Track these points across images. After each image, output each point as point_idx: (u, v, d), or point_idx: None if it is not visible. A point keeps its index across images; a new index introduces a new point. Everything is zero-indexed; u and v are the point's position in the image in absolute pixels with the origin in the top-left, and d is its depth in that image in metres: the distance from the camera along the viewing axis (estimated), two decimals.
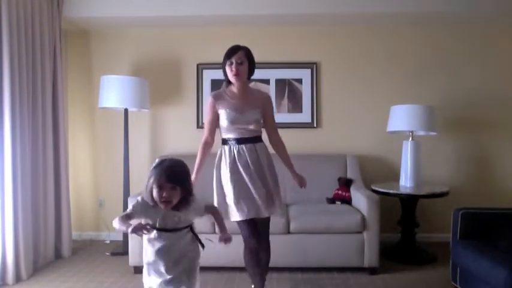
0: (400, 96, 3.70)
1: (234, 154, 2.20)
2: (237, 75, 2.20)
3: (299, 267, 2.95)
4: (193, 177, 2.05)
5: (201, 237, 1.84)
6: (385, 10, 3.43)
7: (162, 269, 1.73)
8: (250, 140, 2.22)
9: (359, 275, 2.92)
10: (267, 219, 2.29)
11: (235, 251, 2.93)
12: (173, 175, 1.67)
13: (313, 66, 3.82)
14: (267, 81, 3.82)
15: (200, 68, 3.85)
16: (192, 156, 3.68)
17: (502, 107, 3.77)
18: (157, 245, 1.72)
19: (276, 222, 2.64)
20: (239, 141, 2.21)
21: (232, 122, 2.20)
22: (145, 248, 1.77)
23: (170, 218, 1.71)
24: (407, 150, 3.37)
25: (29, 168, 3.00)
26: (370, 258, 2.91)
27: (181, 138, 3.88)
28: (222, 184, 2.23)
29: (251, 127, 2.20)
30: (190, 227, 1.80)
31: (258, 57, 3.78)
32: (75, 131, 3.90)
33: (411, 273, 2.99)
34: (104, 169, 3.92)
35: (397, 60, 3.81)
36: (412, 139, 3.38)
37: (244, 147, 2.19)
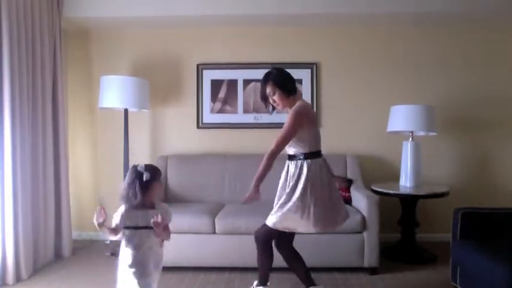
0: (400, 96, 3.71)
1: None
2: (278, 106, 2.28)
3: None
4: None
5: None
6: (385, 10, 3.43)
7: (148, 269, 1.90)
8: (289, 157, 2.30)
9: (359, 275, 2.93)
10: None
11: (235, 252, 2.94)
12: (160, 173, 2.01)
13: (313, 67, 3.82)
14: None
15: (200, 68, 3.85)
16: (192, 156, 3.72)
17: (502, 107, 3.77)
18: (135, 242, 1.90)
19: None
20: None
21: None
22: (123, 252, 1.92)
23: (143, 216, 1.91)
24: (407, 150, 3.37)
25: (29, 168, 3.00)
26: (370, 258, 2.91)
27: (182, 138, 3.88)
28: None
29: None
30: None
31: (258, 57, 3.85)
32: (75, 131, 3.90)
33: (411, 273, 2.99)
34: (104, 169, 3.92)
35: (397, 60, 3.81)
36: (412, 139, 3.38)
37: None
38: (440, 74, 3.79)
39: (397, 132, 3.50)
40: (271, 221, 2.20)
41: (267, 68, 3.74)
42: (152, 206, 1.94)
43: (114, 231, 1.91)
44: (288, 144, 2.23)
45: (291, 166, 2.25)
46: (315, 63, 3.83)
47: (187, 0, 3.46)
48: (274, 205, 2.25)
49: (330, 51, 3.84)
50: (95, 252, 3.51)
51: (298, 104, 2.23)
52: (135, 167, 1.94)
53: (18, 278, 2.83)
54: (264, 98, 2.29)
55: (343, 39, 3.84)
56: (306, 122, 2.20)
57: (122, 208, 1.93)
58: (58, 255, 3.38)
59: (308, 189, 2.15)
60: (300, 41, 3.84)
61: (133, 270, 1.88)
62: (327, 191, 2.22)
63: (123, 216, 1.91)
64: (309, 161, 2.20)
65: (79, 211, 3.88)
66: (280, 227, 2.20)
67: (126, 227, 1.91)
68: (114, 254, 3.43)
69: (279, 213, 2.18)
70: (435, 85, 3.79)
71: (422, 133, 3.50)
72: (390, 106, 3.47)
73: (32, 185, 3.05)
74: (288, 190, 2.19)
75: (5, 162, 2.76)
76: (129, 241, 1.90)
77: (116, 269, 3.09)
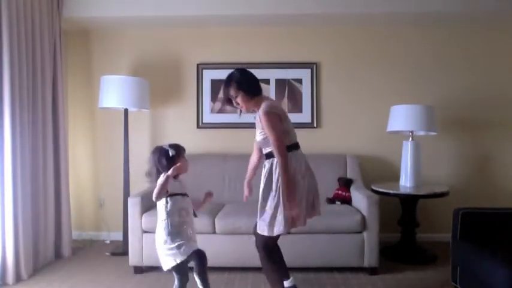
0: (400, 96, 3.71)
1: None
2: (242, 108, 2.25)
3: (299, 267, 2.95)
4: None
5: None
6: (385, 10, 3.43)
7: (188, 230, 2.16)
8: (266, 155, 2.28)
9: (359, 275, 2.92)
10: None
11: (235, 252, 2.94)
12: None
13: (313, 67, 3.82)
14: (267, 81, 3.82)
15: (200, 68, 3.85)
16: (192, 156, 3.70)
17: (502, 107, 3.77)
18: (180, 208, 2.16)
19: None
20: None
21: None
22: (165, 221, 2.14)
23: (184, 185, 2.26)
24: (407, 150, 3.37)
25: (29, 169, 3.00)
26: (370, 258, 2.91)
27: (182, 138, 3.85)
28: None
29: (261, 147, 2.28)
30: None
31: (258, 57, 3.85)
32: (75, 131, 3.90)
33: (411, 273, 2.98)
34: (104, 169, 3.92)
35: (397, 60, 3.81)
36: (412, 139, 3.38)
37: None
38: (440, 74, 3.79)
39: (397, 132, 3.50)
40: (264, 231, 2.17)
41: (267, 68, 3.82)
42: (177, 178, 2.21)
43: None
44: (265, 144, 2.20)
45: (267, 164, 2.21)
46: (315, 63, 3.83)
47: (187, 1, 3.46)
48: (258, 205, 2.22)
49: (330, 51, 3.84)
50: (95, 252, 3.51)
51: (264, 104, 2.15)
52: (158, 146, 2.22)
53: (18, 278, 2.83)
54: (228, 100, 2.25)
55: (344, 39, 3.84)
56: (278, 118, 2.15)
57: (162, 175, 2.10)
58: (58, 255, 3.38)
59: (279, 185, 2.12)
60: (300, 41, 3.84)
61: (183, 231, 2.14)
62: (307, 179, 2.21)
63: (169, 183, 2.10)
64: (289, 154, 2.14)
65: (79, 211, 3.89)
66: (276, 233, 2.17)
67: (171, 194, 2.14)
68: (114, 254, 3.43)
69: (265, 222, 2.14)
70: (435, 85, 3.79)
71: (422, 133, 3.50)
72: (390, 106, 3.47)
73: (32, 185, 3.05)
74: (262, 187, 2.17)
75: (5, 163, 2.76)
76: (174, 205, 2.13)
77: (115, 269, 3.10)
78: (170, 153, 2.15)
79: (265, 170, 2.21)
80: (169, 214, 2.13)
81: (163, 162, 2.15)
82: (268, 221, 2.13)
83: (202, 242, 2.95)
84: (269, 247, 2.25)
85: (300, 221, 2.16)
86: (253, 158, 2.49)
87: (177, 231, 2.12)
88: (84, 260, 3.33)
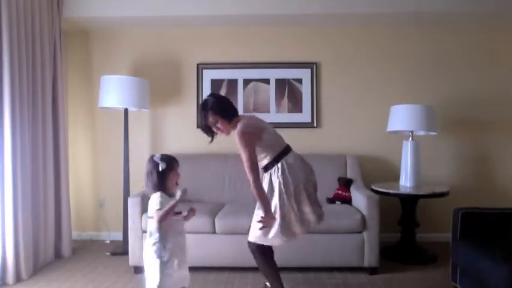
0: (400, 96, 3.71)
1: None
2: (223, 133, 2.26)
3: (299, 267, 2.95)
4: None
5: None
6: (386, 11, 3.43)
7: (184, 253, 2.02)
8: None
9: (359, 275, 2.92)
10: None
11: (235, 251, 2.94)
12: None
13: (313, 66, 3.82)
14: (267, 81, 3.82)
15: (200, 68, 3.85)
16: (192, 156, 3.71)
17: (502, 107, 3.77)
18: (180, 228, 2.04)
19: None
20: None
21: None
22: (167, 242, 1.95)
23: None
24: (407, 150, 3.37)
25: (29, 169, 3.00)
26: (370, 258, 2.91)
27: (182, 138, 3.88)
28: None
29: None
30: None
31: (258, 57, 3.85)
32: (75, 131, 3.90)
33: (411, 273, 2.98)
34: (104, 169, 3.92)
35: (397, 60, 3.81)
36: (412, 139, 3.38)
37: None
38: (440, 74, 3.79)
39: (397, 132, 3.50)
40: (260, 240, 2.22)
41: (267, 68, 3.82)
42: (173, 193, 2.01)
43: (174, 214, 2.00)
44: (258, 160, 2.23)
45: (266, 176, 2.26)
46: (315, 63, 3.83)
47: (187, 1, 3.46)
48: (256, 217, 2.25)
49: (330, 51, 3.84)
50: (95, 252, 3.51)
51: (240, 124, 2.17)
52: (151, 157, 2.02)
53: (18, 278, 2.83)
54: (206, 127, 2.25)
55: (344, 39, 3.84)
56: (254, 137, 2.17)
57: (158, 195, 1.96)
58: (58, 255, 3.38)
59: (284, 195, 2.17)
60: (300, 40, 3.84)
61: (175, 259, 1.95)
62: (305, 183, 2.24)
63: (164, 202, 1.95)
64: (282, 161, 2.21)
65: (79, 211, 3.89)
66: (275, 243, 2.23)
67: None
68: (114, 253, 3.43)
69: (275, 229, 2.17)
70: (435, 85, 3.79)
71: (422, 133, 3.50)
72: (390, 106, 3.47)
73: (32, 185, 3.05)
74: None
75: (5, 163, 2.76)
76: (171, 227, 1.96)
77: (115, 269, 3.10)
78: (160, 168, 1.96)
79: (265, 181, 2.25)
80: (162, 237, 1.94)
81: (153, 176, 1.97)
82: (278, 228, 2.17)
83: (202, 242, 2.97)
84: (262, 248, 2.28)
85: (299, 228, 2.23)
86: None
87: (168, 259, 1.94)
88: (84, 260, 3.33)
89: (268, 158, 2.23)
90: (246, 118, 2.27)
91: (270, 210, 2.16)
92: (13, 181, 2.79)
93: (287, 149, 2.28)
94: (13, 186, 2.79)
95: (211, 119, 2.20)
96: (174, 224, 1.99)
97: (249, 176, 2.14)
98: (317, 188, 2.35)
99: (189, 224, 2.93)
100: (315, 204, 2.28)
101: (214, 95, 2.34)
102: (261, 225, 2.15)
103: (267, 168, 2.25)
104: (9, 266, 2.77)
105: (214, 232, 2.97)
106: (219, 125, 2.22)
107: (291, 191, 2.18)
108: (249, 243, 2.31)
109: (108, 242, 3.82)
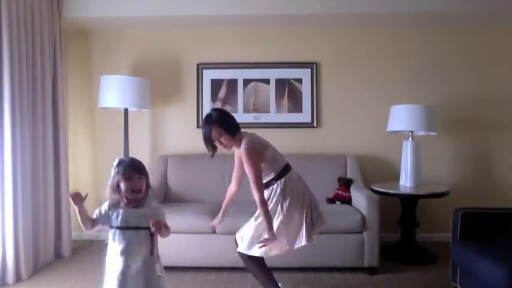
0: (400, 96, 3.70)
1: None
2: (226, 147, 2.26)
3: (299, 267, 2.95)
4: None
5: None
6: (386, 11, 3.43)
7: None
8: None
9: (359, 275, 2.92)
10: None
11: (235, 252, 2.93)
12: (138, 166, 1.82)
13: (313, 66, 3.82)
14: (267, 81, 3.82)
15: (200, 68, 3.85)
16: (192, 156, 3.71)
17: (502, 107, 3.77)
18: (120, 244, 1.77)
19: None
20: None
21: None
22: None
23: (132, 215, 1.79)
24: (407, 150, 3.37)
25: (29, 168, 3.00)
26: (370, 258, 2.91)
27: (182, 138, 3.88)
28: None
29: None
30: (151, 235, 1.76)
31: (258, 57, 3.85)
32: (75, 131, 3.89)
33: (411, 273, 2.98)
34: (104, 169, 3.91)
35: (397, 60, 3.81)
36: (412, 139, 3.38)
37: None
38: (440, 74, 3.79)
39: (397, 132, 3.50)
40: (256, 252, 2.24)
41: (267, 68, 3.82)
42: (141, 205, 1.80)
43: (92, 222, 1.87)
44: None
45: (267, 193, 2.25)
46: (315, 63, 3.83)
47: (187, 0, 3.45)
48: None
49: (330, 51, 3.84)
50: (95, 252, 3.50)
51: (246, 140, 2.19)
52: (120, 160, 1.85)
53: (18, 278, 2.82)
54: (208, 140, 2.24)
55: (344, 39, 3.83)
56: (259, 154, 2.18)
57: (106, 203, 1.84)
58: (58, 255, 3.38)
59: (284, 208, 2.19)
60: (300, 40, 3.84)
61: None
62: (307, 198, 2.25)
63: (104, 212, 1.85)
64: (282, 179, 2.23)
65: None
66: (273, 254, 2.26)
67: (118, 227, 1.80)
68: None
69: (259, 246, 2.18)
70: (435, 85, 3.79)
71: (422, 133, 3.50)
72: (390, 106, 3.47)
73: (32, 185, 3.05)
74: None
75: (5, 163, 2.76)
76: (119, 244, 1.77)
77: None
78: (112, 171, 1.83)
79: (266, 196, 2.24)
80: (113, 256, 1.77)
81: (113, 180, 1.83)
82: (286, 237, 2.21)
83: (202, 242, 2.97)
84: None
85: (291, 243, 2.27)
86: (232, 187, 2.52)
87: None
88: (84, 260, 3.33)
89: (271, 174, 2.24)
90: (248, 135, 2.28)
91: (273, 228, 2.13)
92: (13, 181, 2.79)
93: (288, 167, 2.30)
94: (13, 186, 2.79)
95: (214, 132, 2.20)
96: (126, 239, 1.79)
97: (256, 193, 2.11)
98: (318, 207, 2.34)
99: (189, 224, 2.96)
100: (312, 223, 2.27)
101: (218, 109, 2.36)
102: (261, 244, 2.15)
103: (268, 185, 2.25)
104: (9, 266, 2.76)
105: (214, 232, 2.97)
106: (222, 139, 2.21)
107: (294, 206, 2.19)
108: (240, 253, 2.33)
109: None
